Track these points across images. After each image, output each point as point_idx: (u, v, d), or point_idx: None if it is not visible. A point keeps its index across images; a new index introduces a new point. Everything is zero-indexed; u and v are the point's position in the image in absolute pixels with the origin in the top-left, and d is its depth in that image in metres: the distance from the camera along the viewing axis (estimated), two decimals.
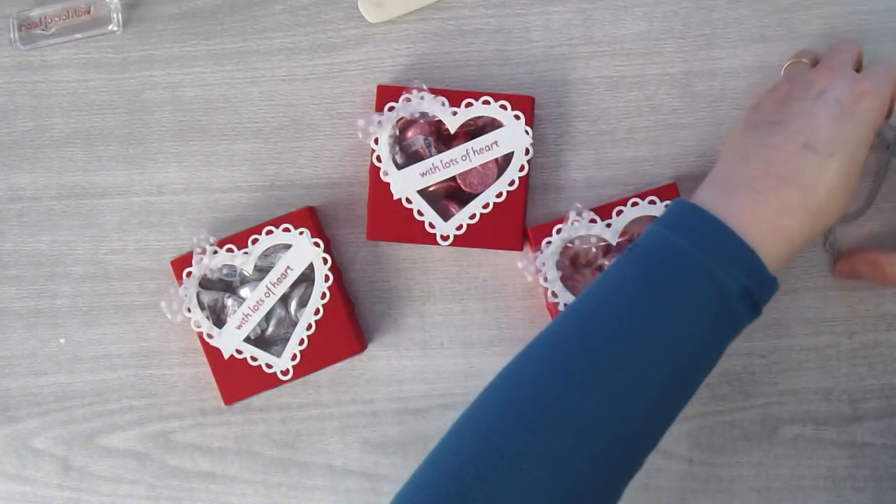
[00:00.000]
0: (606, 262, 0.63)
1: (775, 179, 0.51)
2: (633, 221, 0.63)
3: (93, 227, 0.68)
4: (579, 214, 0.63)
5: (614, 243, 0.63)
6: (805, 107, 0.53)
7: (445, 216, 0.64)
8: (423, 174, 0.63)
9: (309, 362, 0.64)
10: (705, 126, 0.66)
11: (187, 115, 0.67)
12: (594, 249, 0.64)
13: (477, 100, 0.63)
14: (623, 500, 0.67)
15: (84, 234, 0.68)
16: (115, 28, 0.67)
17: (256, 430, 0.67)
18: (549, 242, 0.63)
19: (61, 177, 0.68)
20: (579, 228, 0.63)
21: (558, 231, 0.63)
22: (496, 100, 0.63)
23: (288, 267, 0.64)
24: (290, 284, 0.64)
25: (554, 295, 0.63)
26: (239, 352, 0.64)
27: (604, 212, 0.63)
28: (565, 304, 0.62)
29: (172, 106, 0.67)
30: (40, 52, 0.68)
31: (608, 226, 0.63)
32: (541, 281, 0.63)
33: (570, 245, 0.64)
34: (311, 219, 0.64)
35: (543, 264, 0.63)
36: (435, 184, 0.64)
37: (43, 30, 0.67)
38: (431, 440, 0.67)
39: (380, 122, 0.63)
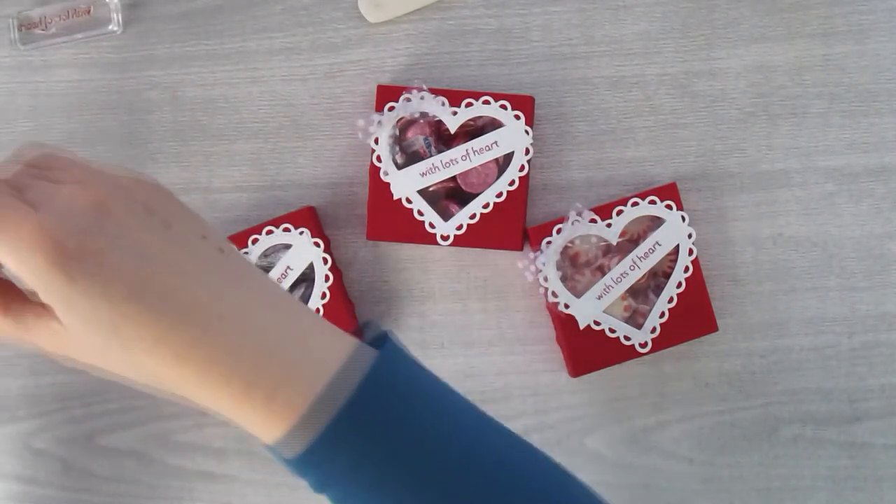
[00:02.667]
0: (606, 262, 0.63)
1: None
2: (633, 221, 0.63)
3: None
4: (579, 214, 0.63)
5: (614, 243, 0.63)
6: None
7: (445, 216, 0.64)
8: (423, 174, 0.63)
9: None
10: (705, 126, 0.66)
11: (187, 115, 0.67)
12: (594, 249, 0.64)
13: (477, 100, 0.63)
14: (624, 500, 0.67)
15: None
16: (115, 28, 0.66)
17: None
18: (549, 242, 0.63)
19: None
20: (579, 228, 0.63)
21: (558, 231, 0.63)
22: (496, 100, 0.63)
23: (288, 267, 0.64)
24: (290, 284, 0.64)
25: (554, 295, 0.63)
26: None
27: (604, 212, 0.63)
28: (566, 304, 0.62)
29: (172, 106, 0.67)
30: (40, 52, 0.67)
31: (608, 226, 0.63)
32: (541, 281, 0.63)
33: (570, 245, 0.64)
34: (312, 219, 0.64)
35: (543, 264, 0.63)
36: (435, 184, 0.64)
37: (43, 30, 0.67)
38: None
39: (380, 122, 0.63)
